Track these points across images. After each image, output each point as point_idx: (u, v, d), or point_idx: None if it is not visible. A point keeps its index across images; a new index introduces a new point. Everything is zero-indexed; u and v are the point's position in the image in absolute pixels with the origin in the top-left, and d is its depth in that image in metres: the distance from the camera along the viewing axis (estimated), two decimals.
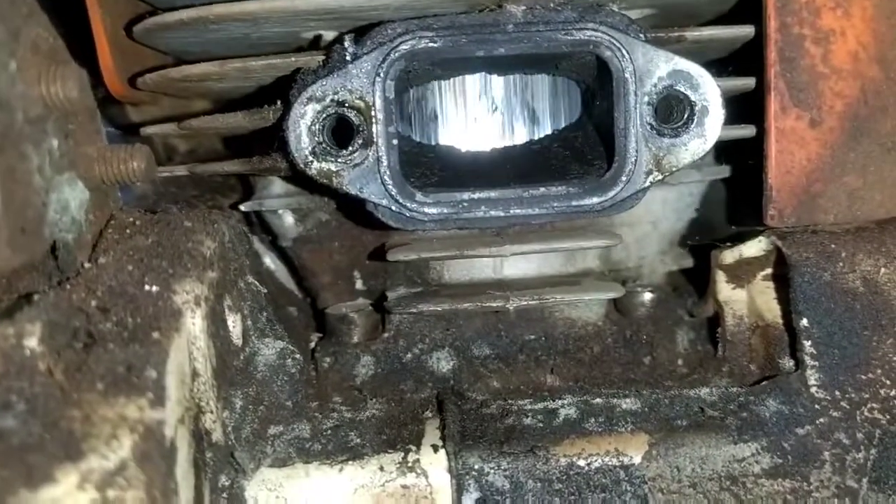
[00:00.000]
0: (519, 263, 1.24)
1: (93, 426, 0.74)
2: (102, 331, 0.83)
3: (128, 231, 0.98)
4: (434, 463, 1.01)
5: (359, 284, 1.32)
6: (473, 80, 1.24)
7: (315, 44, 1.10)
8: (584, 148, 1.18)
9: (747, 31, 1.10)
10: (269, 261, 1.43)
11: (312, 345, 1.30)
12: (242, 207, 1.30)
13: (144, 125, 1.27)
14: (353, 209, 1.20)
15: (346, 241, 1.30)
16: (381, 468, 1.00)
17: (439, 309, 1.17)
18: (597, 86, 1.17)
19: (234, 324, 1.01)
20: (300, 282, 1.41)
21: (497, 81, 1.24)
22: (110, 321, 0.84)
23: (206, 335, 0.91)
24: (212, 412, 0.93)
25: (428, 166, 1.16)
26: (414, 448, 1.02)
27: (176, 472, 0.81)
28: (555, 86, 1.26)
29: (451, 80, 1.23)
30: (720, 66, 1.21)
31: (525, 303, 1.16)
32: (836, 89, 1.06)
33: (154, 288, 0.89)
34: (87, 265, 0.92)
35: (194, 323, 0.90)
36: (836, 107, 1.07)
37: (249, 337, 1.05)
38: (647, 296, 1.27)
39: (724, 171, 1.31)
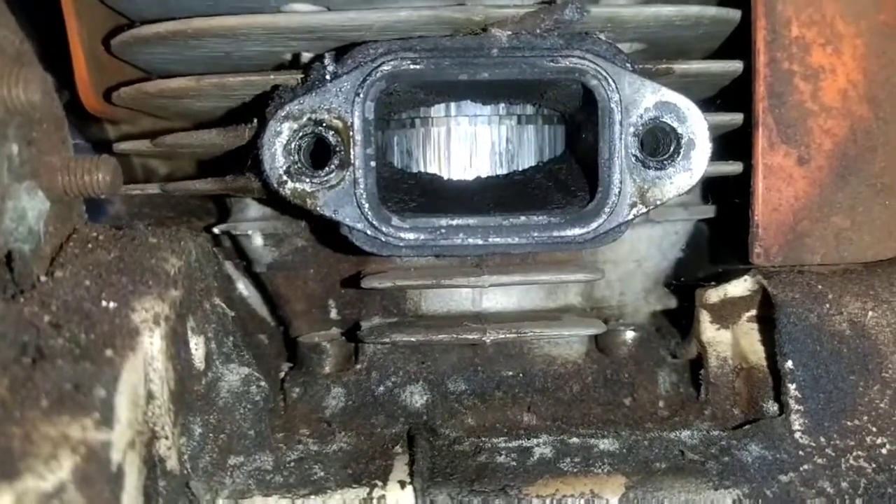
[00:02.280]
0: (498, 297, 1.21)
1: (32, 445, 0.69)
2: (53, 346, 0.79)
3: (89, 245, 0.94)
4: (400, 500, 0.96)
5: (333, 314, 1.28)
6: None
7: (295, 62, 1.07)
8: (567, 179, 1.15)
9: (736, 65, 1.09)
10: (242, 286, 1.39)
11: (282, 374, 1.25)
12: (216, 230, 1.26)
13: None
14: (329, 234, 1.16)
15: (321, 269, 1.26)
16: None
17: (413, 340, 1.13)
18: (582, 117, 1.14)
19: (196, 346, 0.97)
20: (273, 309, 1.37)
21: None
22: (62, 337, 0.80)
23: (164, 356, 0.87)
24: (167, 438, 0.88)
25: (407, 192, 1.13)
26: (380, 483, 0.98)
27: (122, 500, 0.76)
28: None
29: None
30: (707, 105, 1.19)
31: (502, 336, 1.12)
32: (826, 127, 1.04)
33: (111, 304, 0.85)
34: (43, 278, 0.88)
35: (152, 342, 0.85)
36: (824, 145, 1.05)
37: (213, 361, 1.01)
38: (630, 334, 1.23)
39: (710, 210, 1.29)
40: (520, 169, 1.20)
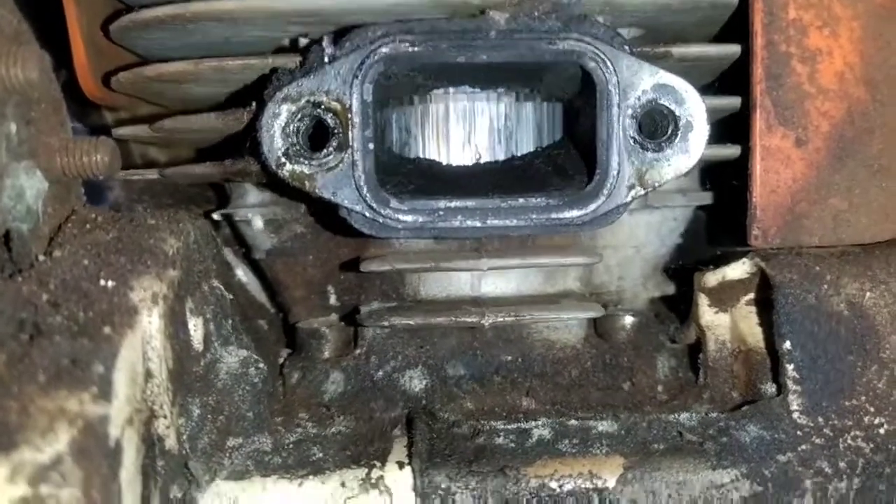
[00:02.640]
0: (497, 281, 1.21)
1: (29, 417, 0.70)
2: (51, 324, 0.79)
3: (88, 226, 0.94)
4: (399, 480, 0.96)
5: (332, 300, 1.28)
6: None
7: (293, 46, 1.08)
8: (566, 164, 1.15)
9: (734, 49, 1.09)
10: (241, 273, 1.39)
11: (282, 360, 1.26)
12: (215, 215, 1.26)
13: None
14: (328, 217, 1.17)
15: (321, 255, 1.27)
16: (343, 484, 0.96)
17: (412, 323, 1.13)
18: (580, 102, 1.15)
19: (195, 327, 0.97)
20: (272, 296, 1.37)
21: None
22: (60, 315, 0.80)
23: (162, 335, 0.87)
24: (165, 417, 0.88)
25: (406, 175, 1.13)
26: (378, 464, 0.98)
27: (120, 475, 0.77)
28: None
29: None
30: (706, 91, 1.19)
31: (501, 319, 1.12)
32: (823, 109, 1.04)
33: (110, 283, 0.85)
34: (41, 258, 0.88)
35: (150, 321, 0.86)
36: (822, 127, 1.05)
37: (211, 343, 1.01)
38: (628, 319, 1.24)
39: (708, 197, 1.29)
40: (518, 150, 1.20)
